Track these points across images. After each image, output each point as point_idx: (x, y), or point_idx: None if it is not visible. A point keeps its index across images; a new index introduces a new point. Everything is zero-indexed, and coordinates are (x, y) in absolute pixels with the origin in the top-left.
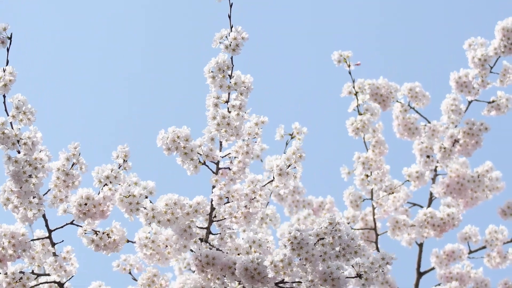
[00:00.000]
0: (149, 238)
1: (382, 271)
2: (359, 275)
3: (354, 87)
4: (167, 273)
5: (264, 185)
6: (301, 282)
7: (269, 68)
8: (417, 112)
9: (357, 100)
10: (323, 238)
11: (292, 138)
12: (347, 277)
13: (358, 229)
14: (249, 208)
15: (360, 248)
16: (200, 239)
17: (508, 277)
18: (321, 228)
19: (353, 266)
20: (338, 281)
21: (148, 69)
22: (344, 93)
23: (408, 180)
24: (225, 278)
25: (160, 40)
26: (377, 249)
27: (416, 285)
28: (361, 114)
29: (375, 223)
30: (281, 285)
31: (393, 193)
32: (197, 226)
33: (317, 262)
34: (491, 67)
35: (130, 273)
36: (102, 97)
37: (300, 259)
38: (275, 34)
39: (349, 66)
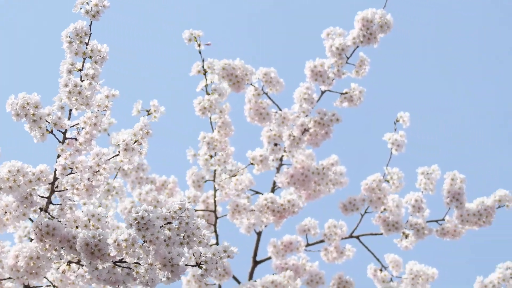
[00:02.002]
0: None
1: (222, 263)
2: (199, 265)
3: (203, 67)
4: (6, 241)
5: (109, 159)
6: (140, 264)
7: (131, 43)
8: (269, 98)
9: (206, 79)
10: (170, 223)
11: (148, 114)
12: (187, 265)
13: (198, 210)
14: (92, 181)
15: (204, 238)
16: (40, 208)
17: (344, 272)
18: (170, 212)
19: (194, 255)
20: (177, 267)
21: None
22: (193, 72)
23: (251, 164)
24: (62, 250)
25: None
26: (215, 231)
27: (251, 273)
28: (209, 94)
29: (215, 206)
30: (119, 263)
31: (235, 175)
32: (38, 195)
33: (161, 246)
34: (348, 58)
35: None
36: None
37: (144, 241)
38: (138, 10)
39: (199, 45)
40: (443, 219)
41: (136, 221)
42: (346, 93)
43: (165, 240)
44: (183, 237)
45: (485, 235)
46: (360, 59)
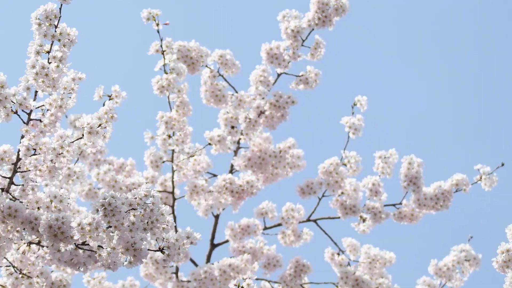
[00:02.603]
0: None
1: (185, 249)
2: (161, 250)
3: (162, 46)
4: None
5: (73, 142)
6: (102, 247)
7: (90, 21)
8: (225, 80)
9: (164, 59)
10: (135, 209)
11: (110, 99)
12: (149, 249)
13: (156, 191)
14: (55, 163)
15: (168, 225)
16: (1, 188)
17: (301, 255)
18: (135, 198)
19: (157, 240)
20: (139, 252)
21: None
22: (152, 51)
23: (209, 144)
24: (24, 231)
25: None
26: (173, 213)
27: (209, 256)
28: (167, 73)
29: (173, 187)
30: (81, 246)
31: (193, 156)
32: (0, 175)
33: (125, 231)
34: (303, 40)
35: None
36: None
37: (108, 226)
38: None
39: (157, 24)
40: (401, 203)
41: (103, 207)
42: (302, 75)
43: (128, 226)
44: (147, 223)
45: (442, 219)
46: (316, 42)
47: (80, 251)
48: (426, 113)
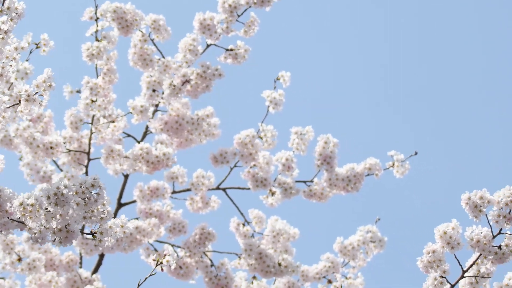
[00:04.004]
0: None
1: (116, 236)
2: (93, 234)
3: (96, 13)
4: None
5: (8, 107)
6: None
7: None
8: (154, 45)
9: (97, 26)
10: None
11: (37, 48)
12: (82, 232)
13: (72, 150)
14: None
15: (107, 215)
16: None
17: (207, 222)
18: (82, 187)
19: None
20: (72, 234)
21: None
22: (85, 17)
23: (131, 113)
24: None
25: None
26: (87, 173)
27: (115, 215)
28: (98, 40)
29: (89, 147)
30: (16, 223)
31: (113, 122)
32: None
33: (66, 217)
34: (239, 16)
35: None
36: None
37: (48, 210)
38: None
39: None
40: (312, 181)
41: (56, 197)
42: (232, 50)
43: (69, 212)
44: (87, 211)
45: (351, 200)
46: (251, 19)
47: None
48: (348, 95)
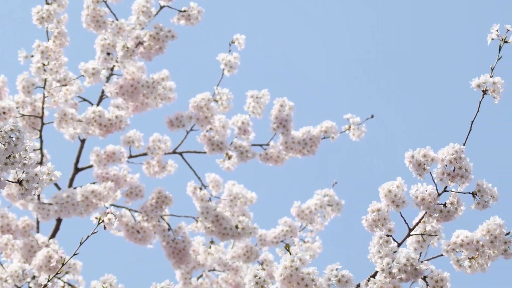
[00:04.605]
0: None
1: (43, 184)
2: (20, 182)
3: None
4: None
5: None
6: None
7: None
8: (107, 6)
9: None
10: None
11: None
12: (7, 181)
13: (25, 115)
14: None
15: (29, 162)
16: None
17: (164, 187)
18: (1, 132)
19: (16, 172)
20: None
21: None
22: None
23: (83, 75)
24: None
25: None
26: (41, 137)
27: (72, 180)
28: (49, 3)
29: (43, 112)
30: None
31: (66, 85)
32: None
33: None
34: None
35: None
36: None
37: None
38: None
39: None
40: (268, 144)
41: None
42: (185, 11)
43: None
44: (9, 157)
45: (308, 164)
46: None
47: None
48: (304, 58)
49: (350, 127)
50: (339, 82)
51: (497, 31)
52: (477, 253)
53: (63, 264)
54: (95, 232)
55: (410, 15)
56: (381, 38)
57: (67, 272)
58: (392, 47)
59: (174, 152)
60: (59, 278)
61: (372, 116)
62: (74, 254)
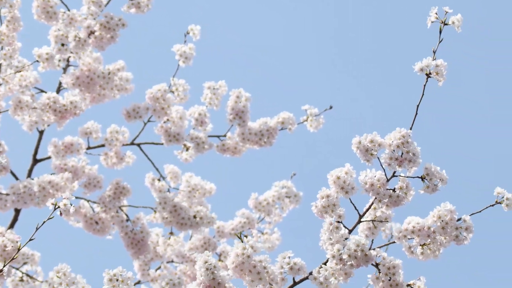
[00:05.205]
0: None
1: None
2: None
3: None
4: None
5: None
6: None
7: None
8: None
9: None
10: None
11: None
12: None
13: None
14: None
15: None
16: None
17: (122, 178)
18: None
19: None
20: None
21: None
22: None
23: (37, 61)
24: None
25: None
26: None
27: (30, 170)
28: None
29: None
30: None
31: (21, 71)
32: None
33: None
34: None
35: None
36: None
37: None
38: None
39: None
40: (225, 136)
41: None
42: None
43: None
44: None
45: (266, 155)
46: None
47: None
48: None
49: (308, 118)
50: (298, 73)
51: (436, 13)
52: (429, 240)
53: (18, 249)
54: (51, 218)
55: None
56: (338, 28)
57: (25, 263)
58: (344, 37)
59: (132, 143)
60: (17, 269)
61: (331, 107)
62: (30, 240)
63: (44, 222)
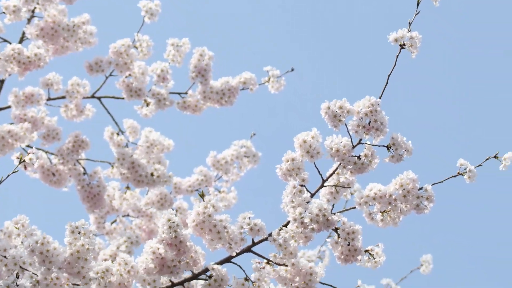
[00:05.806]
0: None
1: None
2: None
3: None
4: None
5: None
6: None
7: None
8: None
9: None
10: None
11: None
12: None
13: None
14: None
15: None
16: None
17: (81, 131)
18: None
19: None
20: None
21: None
22: None
23: (4, 13)
24: None
25: None
26: None
27: None
28: None
29: None
30: None
31: None
32: None
33: None
34: None
35: None
36: None
37: None
38: None
39: None
40: (186, 93)
41: None
42: None
43: None
44: None
45: (226, 114)
46: None
47: None
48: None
49: (269, 80)
50: (262, 35)
51: None
52: (390, 207)
53: None
54: (15, 171)
55: None
56: None
57: None
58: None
59: (92, 96)
60: None
61: (292, 70)
62: None
63: (8, 175)
